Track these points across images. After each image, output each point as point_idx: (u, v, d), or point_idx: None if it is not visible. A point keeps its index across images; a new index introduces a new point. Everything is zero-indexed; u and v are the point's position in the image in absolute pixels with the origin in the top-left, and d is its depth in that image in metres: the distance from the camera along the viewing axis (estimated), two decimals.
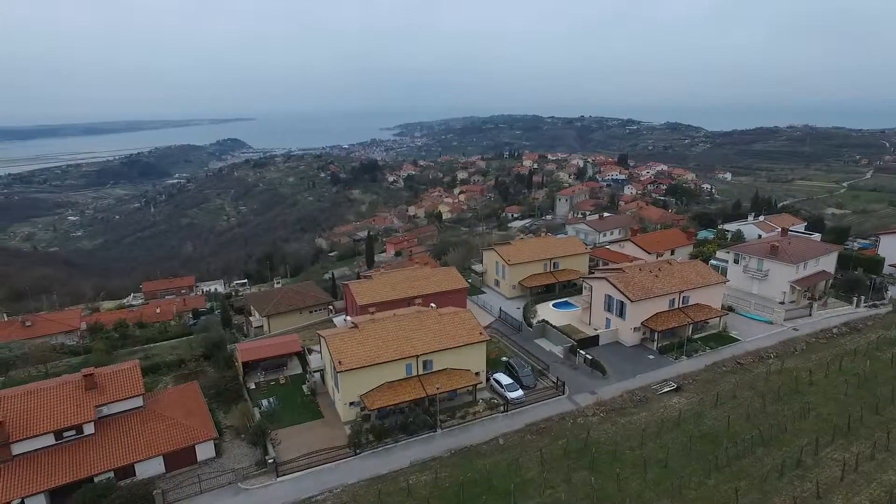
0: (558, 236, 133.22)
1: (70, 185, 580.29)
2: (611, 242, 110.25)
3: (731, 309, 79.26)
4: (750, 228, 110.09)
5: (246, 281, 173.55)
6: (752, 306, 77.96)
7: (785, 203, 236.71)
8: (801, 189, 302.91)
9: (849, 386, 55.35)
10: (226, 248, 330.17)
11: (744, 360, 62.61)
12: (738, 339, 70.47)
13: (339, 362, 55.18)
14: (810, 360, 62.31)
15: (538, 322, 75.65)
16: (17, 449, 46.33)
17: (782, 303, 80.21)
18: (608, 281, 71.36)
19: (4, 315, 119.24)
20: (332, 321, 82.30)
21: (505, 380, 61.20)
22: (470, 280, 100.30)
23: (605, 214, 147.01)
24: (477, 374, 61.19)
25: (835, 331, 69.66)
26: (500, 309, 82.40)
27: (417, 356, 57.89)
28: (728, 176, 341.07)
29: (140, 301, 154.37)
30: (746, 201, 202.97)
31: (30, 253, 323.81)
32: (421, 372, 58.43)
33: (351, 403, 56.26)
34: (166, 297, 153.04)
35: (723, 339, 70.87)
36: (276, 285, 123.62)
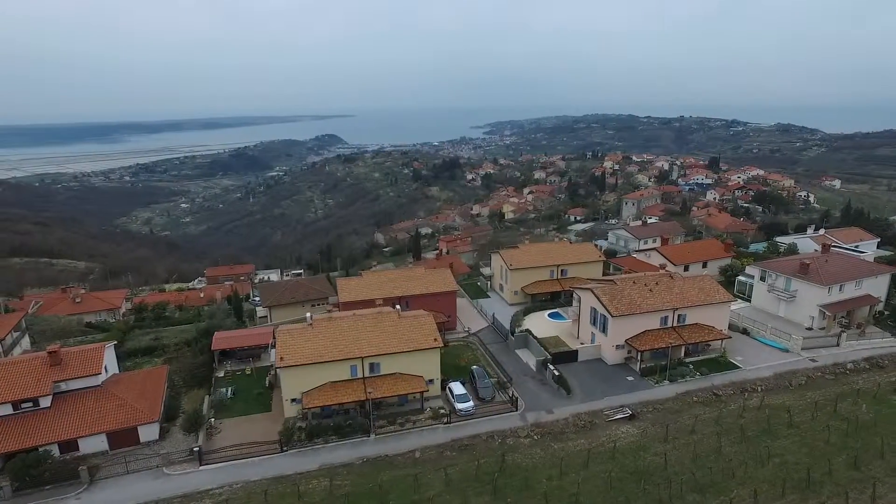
0: (596, 242, 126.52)
1: (185, 175, 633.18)
2: (638, 251, 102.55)
3: (745, 332, 70.88)
4: (806, 242, 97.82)
5: (301, 271, 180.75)
6: (768, 331, 69.03)
7: None
8: None
9: (834, 433, 47.14)
10: (309, 239, 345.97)
11: (721, 391, 55.44)
12: (738, 367, 62.57)
13: (281, 358, 55.47)
14: (804, 397, 53.90)
15: (520, 332, 71.84)
16: None
17: (810, 328, 70.45)
18: (592, 292, 66.21)
19: (83, 290, 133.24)
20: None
21: (458, 389, 58.55)
22: (478, 283, 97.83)
23: (650, 220, 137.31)
24: (431, 381, 59.25)
25: (850, 366, 59.77)
26: (493, 315, 79.19)
27: (363, 358, 56.94)
28: (836, 183, 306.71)
29: (202, 284, 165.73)
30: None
31: (142, 235, 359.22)
32: (367, 374, 57.40)
33: (293, 400, 56.38)
34: (225, 282, 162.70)
35: (720, 364, 63.24)
36: (286, 277, 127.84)
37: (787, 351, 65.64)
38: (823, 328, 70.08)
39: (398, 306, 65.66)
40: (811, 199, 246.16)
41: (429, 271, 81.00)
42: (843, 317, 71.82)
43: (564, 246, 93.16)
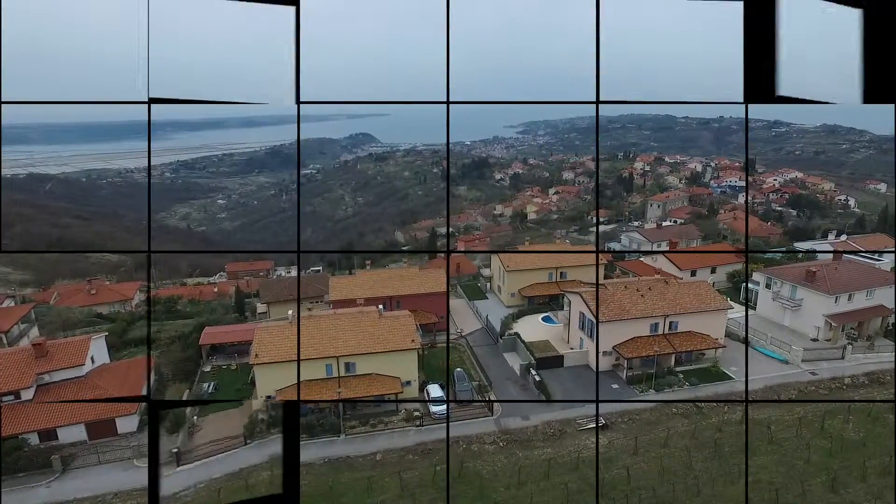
0: (610, 244, 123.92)
1: (223, 172, 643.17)
2: (644, 254, 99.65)
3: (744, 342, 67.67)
4: (824, 248, 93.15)
5: (320, 268, 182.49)
6: (768, 341, 65.76)
7: None
8: None
9: (817, 451, 44.38)
10: (337, 236, 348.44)
11: (704, 403, 52.98)
12: (731, 378, 59.88)
13: (256, 355, 55.75)
14: (792, 412, 50.93)
15: (508, 335, 70.48)
16: None
17: (815, 339, 66.86)
18: (581, 296, 64.36)
19: (107, 282, 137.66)
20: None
21: (435, 392, 57.85)
22: (478, 284, 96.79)
23: (666, 223, 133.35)
24: (408, 382, 58.65)
25: (847, 381, 56.31)
26: (486, 317, 77.95)
27: (338, 357, 56.76)
28: (882, 187, 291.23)
29: (223, 280, 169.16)
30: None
31: (177, 230, 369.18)
32: (342, 374, 57.20)
33: (267, 397, 56.58)
34: (245, 278, 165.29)
35: (712, 374, 60.65)
36: (283, 275, 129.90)
37: (786, 363, 62.42)
38: (829, 340, 66.39)
39: (381, 306, 65.14)
40: (850, 203, 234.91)
41: (422, 271, 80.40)
42: (852, 328, 67.90)
43: (564, 247, 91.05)
